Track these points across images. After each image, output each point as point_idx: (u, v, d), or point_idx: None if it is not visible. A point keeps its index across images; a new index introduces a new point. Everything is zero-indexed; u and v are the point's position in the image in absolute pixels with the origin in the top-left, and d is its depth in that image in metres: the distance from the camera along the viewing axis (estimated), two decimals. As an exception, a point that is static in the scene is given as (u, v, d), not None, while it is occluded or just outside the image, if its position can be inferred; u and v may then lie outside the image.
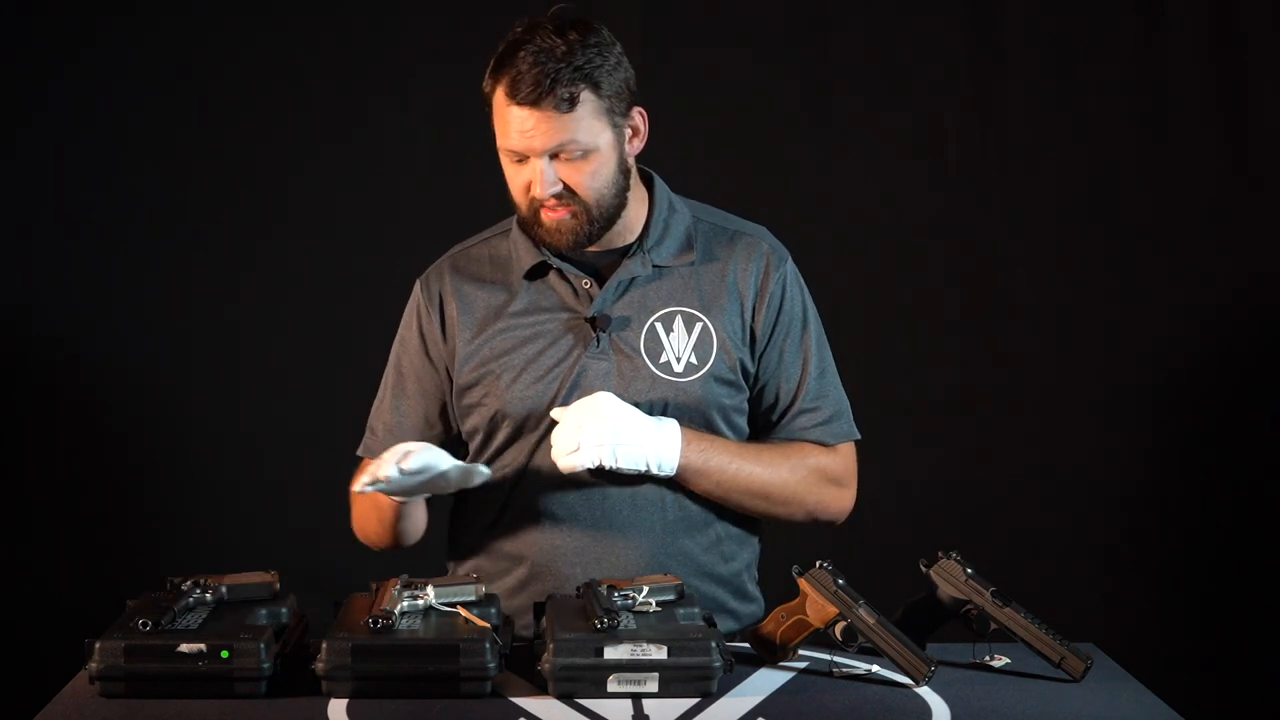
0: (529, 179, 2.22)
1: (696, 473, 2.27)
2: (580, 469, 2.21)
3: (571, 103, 2.17)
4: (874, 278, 3.57)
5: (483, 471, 2.24)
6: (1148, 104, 3.55)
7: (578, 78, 2.17)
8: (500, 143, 2.23)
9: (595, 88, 2.19)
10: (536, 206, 2.24)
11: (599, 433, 2.18)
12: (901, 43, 3.56)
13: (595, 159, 2.21)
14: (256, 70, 3.49)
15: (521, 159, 2.22)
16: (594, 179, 2.22)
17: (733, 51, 3.53)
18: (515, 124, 2.19)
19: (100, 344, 3.49)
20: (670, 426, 2.25)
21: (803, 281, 2.40)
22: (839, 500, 2.40)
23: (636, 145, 2.29)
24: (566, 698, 1.94)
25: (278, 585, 2.13)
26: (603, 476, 2.26)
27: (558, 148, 2.19)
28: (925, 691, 2.01)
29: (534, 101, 2.16)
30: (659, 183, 2.37)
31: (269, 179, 3.51)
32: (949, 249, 3.59)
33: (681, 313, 2.32)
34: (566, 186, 2.21)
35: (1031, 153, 3.57)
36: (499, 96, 2.20)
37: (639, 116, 2.28)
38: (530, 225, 2.27)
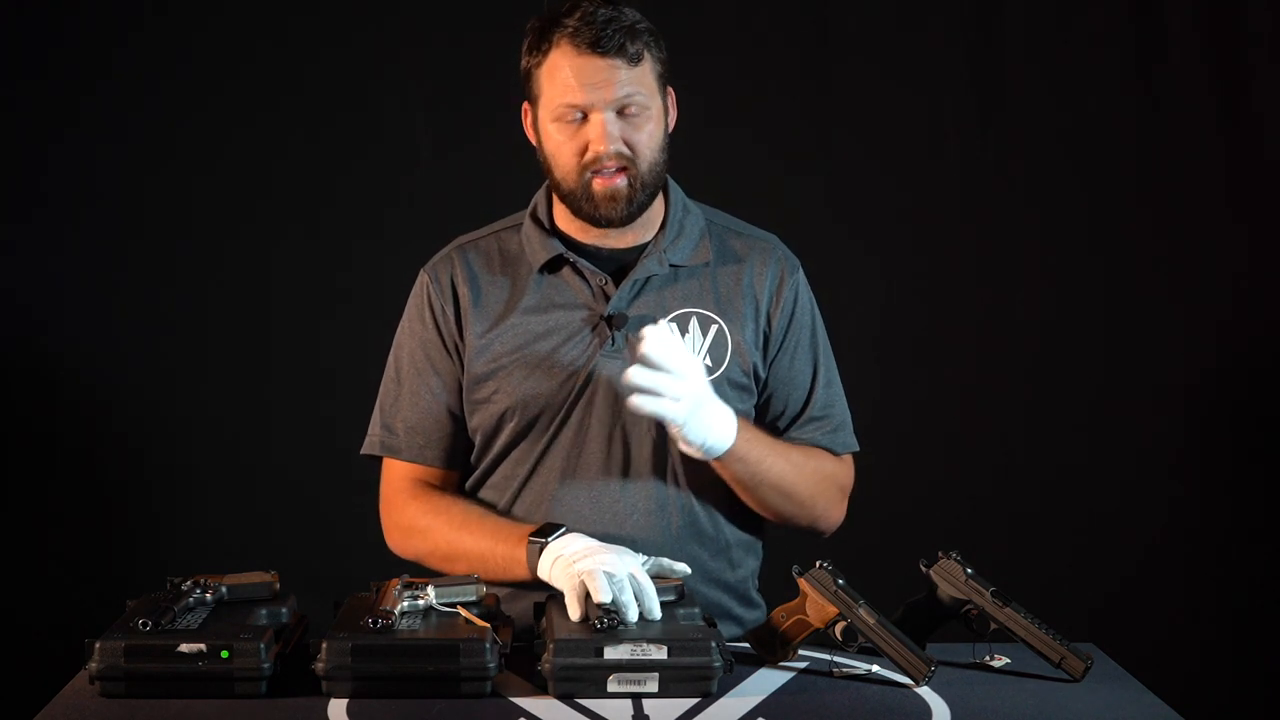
0: (586, 140, 2.18)
1: (737, 459, 2.21)
2: (648, 414, 2.12)
3: (638, 58, 2.17)
4: (873, 278, 3.57)
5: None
6: (1149, 101, 3.54)
7: (641, 33, 2.18)
8: (558, 102, 2.18)
9: (652, 50, 2.20)
10: (590, 176, 2.19)
11: (685, 392, 2.11)
12: (902, 43, 3.56)
13: (651, 121, 2.20)
14: (252, 67, 3.49)
15: (580, 118, 2.18)
16: (651, 140, 2.20)
17: (731, 51, 3.53)
18: (582, 76, 2.16)
19: (101, 343, 3.49)
20: (731, 413, 2.19)
21: (812, 293, 2.38)
22: (839, 510, 2.38)
23: (669, 124, 2.26)
24: (566, 698, 1.94)
25: (278, 585, 2.13)
26: (618, 444, 2.24)
27: (625, 99, 2.16)
28: (925, 691, 2.01)
29: (606, 51, 2.14)
30: (672, 183, 2.34)
31: (270, 180, 3.51)
32: (946, 250, 3.59)
33: (697, 314, 2.28)
34: (625, 145, 2.18)
35: (1034, 152, 3.57)
36: (558, 54, 2.17)
37: (672, 96, 2.27)
38: (579, 198, 2.21)
